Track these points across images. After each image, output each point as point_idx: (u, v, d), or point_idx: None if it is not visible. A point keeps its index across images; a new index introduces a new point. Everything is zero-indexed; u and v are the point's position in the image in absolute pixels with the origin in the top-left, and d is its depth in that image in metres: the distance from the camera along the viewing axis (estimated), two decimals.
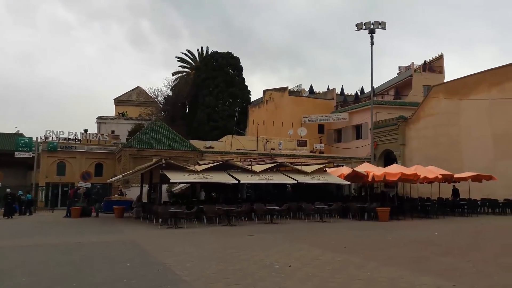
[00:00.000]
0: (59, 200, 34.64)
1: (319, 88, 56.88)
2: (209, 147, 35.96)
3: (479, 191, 24.94)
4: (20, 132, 41.89)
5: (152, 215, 19.65)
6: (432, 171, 22.77)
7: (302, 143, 39.96)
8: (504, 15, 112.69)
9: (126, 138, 38.71)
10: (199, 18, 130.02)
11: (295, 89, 52.97)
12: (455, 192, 26.26)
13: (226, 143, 38.03)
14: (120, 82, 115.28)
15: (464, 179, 23.73)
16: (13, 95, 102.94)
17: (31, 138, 36.33)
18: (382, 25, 34.06)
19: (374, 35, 33.92)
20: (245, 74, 48.72)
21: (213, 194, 25.33)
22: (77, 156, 36.33)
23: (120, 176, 26.31)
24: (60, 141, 36.10)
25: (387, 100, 45.03)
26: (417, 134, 34.07)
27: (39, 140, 35.64)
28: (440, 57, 47.14)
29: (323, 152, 40.32)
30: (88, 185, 26.71)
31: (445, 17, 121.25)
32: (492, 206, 24.19)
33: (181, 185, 27.45)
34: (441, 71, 45.93)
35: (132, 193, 27.78)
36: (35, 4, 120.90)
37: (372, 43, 34.24)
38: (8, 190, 24.79)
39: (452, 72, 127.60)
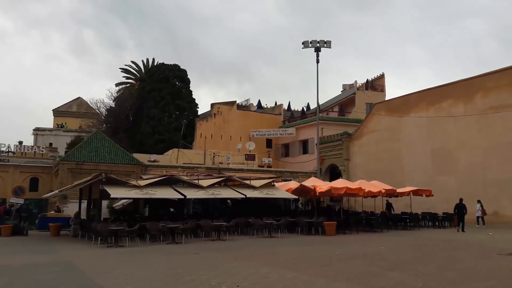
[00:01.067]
0: None
1: (267, 103, 57.64)
2: (154, 161, 34.75)
3: (420, 204, 26.17)
4: None
5: (91, 233, 18.44)
6: (376, 186, 23.52)
7: (250, 157, 39.86)
8: (436, 40, 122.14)
9: (65, 151, 36.41)
10: (145, 30, 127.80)
11: (244, 104, 53.14)
12: (389, 206, 27.52)
13: (172, 157, 36.99)
14: (60, 93, 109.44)
15: (406, 193, 24.73)
16: None
17: None
18: (327, 43, 35.17)
19: (319, 53, 34.90)
20: (192, 87, 48.18)
21: (162, 211, 24.31)
22: (10, 170, 33.51)
23: (57, 191, 24.58)
24: None
25: (332, 117, 46.44)
26: (361, 150, 35.32)
27: None
28: (382, 76, 49.66)
29: (271, 167, 40.48)
30: (21, 200, 24.59)
31: (384, 40, 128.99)
32: (432, 220, 25.26)
33: (123, 200, 26.14)
34: (382, 89, 48.32)
35: (70, 209, 25.92)
36: None
37: (317, 61, 35.17)
38: None
39: (391, 91, 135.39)
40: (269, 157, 42.94)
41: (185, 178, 23.66)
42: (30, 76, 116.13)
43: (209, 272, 9.80)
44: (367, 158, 34.45)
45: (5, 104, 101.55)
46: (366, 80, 49.63)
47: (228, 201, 26.12)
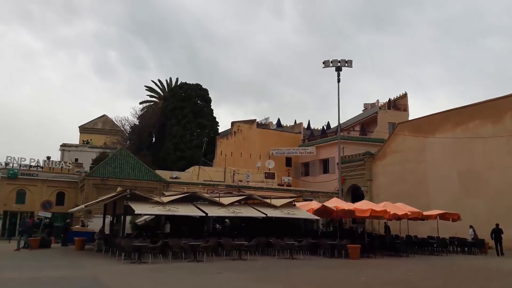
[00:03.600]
0: (17, 230, 32.39)
1: (286, 121, 57.73)
2: (176, 178, 35.13)
3: (447, 229, 25.38)
4: None
5: (115, 248, 18.57)
6: (401, 208, 23.01)
7: (270, 175, 39.82)
8: (456, 59, 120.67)
9: (90, 167, 37.27)
10: (166, 51, 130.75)
11: (263, 122, 53.39)
12: (387, 228, 26.85)
13: (193, 174, 37.31)
14: (85, 111, 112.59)
15: (433, 217, 24.11)
16: None
17: None
18: (348, 63, 35.26)
19: (339, 72, 34.95)
20: (212, 106, 48.88)
21: (183, 228, 24.49)
22: (39, 184, 34.59)
23: (83, 206, 25.03)
24: (21, 168, 34.47)
25: (353, 136, 46.10)
26: (384, 170, 34.78)
27: None
28: (404, 96, 49.18)
29: (290, 185, 40.29)
30: (49, 214, 25.21)
31: (402, 60, 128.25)
32: (461, 245, 24.37)
33: (145, 216, 26.35)
34: (405, 109, 47.80)
35: (95, 224, 26.39)
36: (2, 31, 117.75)
37: (338, 80, 35.26)
38: None
39: (414, 110, 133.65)
40: (288, 175, 42.78)
41: (206, 195, 23.78)
42: (58, 94, 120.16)
43: None
44: (391, 179, 33.87)
45: (35, 120, 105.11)
46: (388, 99, 49.27)
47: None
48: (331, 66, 35.12)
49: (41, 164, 35.59)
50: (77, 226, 27.48)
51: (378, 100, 50.38)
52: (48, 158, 37.41)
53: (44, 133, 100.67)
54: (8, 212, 33.34)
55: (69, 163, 37.71)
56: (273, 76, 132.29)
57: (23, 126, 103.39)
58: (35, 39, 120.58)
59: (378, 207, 22.22)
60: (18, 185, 34.18)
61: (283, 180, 40.85)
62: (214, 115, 48.40)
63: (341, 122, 37.22)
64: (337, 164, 37.03)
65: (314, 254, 20.69)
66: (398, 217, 22.68)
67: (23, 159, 34.82)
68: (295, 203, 24.50)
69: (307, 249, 20.52)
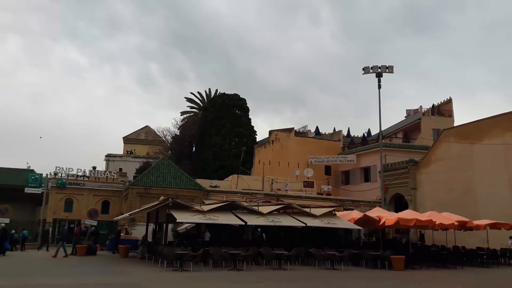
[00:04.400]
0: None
1: (325, 129, 57.00)
2: (215, 186, 35.54)
3: (497, 240, 23.96)
4: (31, 168, 41.93)
5: (158, 255, 18.99)
6: (448, 218, 22.01)
7: (309, 184, 39.37)
8: (503, 62, 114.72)
9: (134, 176, 38.54)
10: (205, 62, 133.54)
11: (301, 130, 53.02)
12: (421, 237, 25.62)
13: (232, 183, 37.60)
14: (129, 122, 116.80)
15: (482, 227, 22.85)
16: (26, 132, 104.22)
17: (41, 174, 36.33)
18: (389, 69, 34.31)
19: (380, 78, 34.15)
20: (250, 115, 49.18)
21: (223, 236, 24.73)
22: (85, 193, 36.18)
23: (127, 214, 25.85)
24: (69, 177, 36.15)
25: (395, 143, 44.76)
26: (429, 178, 33.45)
27: (48, 176, 35.60)
28: (449, 101, 47.24)
29: (330, 194, 39.63)
30: (95, 222, 26.24)
31: (446, 64, 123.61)
32: None
33: (186, 224, 26.81)
34: (450, 114, 45.88)
35: (138, 231, 27.17)
36: (50, 46, 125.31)
37: (379, 86, 34.38)
38: (2, 224, 24.11)
39: (459, 116, 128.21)
40: (328, 184, 42.12)
41: (245, 204, 23.87)
42: (103, 107, 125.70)
43: None
44: (436, 187, 32.48)
45: (81, 132, 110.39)
46: (431, 105, 47.53)
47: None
48: (371, 73, 34.38)
49: (88, 174, 37.16)
50: (121, 234, 28.36)
51: (421, 106, 48.73)
52: (94, 168, 39.03)
53: (90, 144, 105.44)
54: (57, 220, 34.95)
55: (114, 173, 39.14)
56: (310, 84, 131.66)
57: (71, 137, 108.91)
58: (81, 54, 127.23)
59: (424, 216, 21.37)
60: (66, 194, 35.86)
61: (323, 188, 40.27)
62: (252, 124, 48.75)
63: (382, 129, 36.23)
64: (379, 172, 36.01)
65: (356, 265, 20.18)
66: (444, 227, 21.70)
67: (70, 169, 36.46)
68: (336, 212, 24.08)
69: (349, 260, 20.06)
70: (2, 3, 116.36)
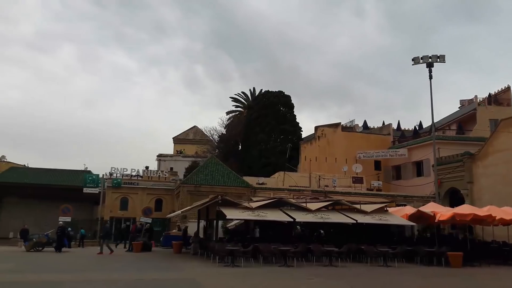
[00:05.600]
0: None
1: (373, 123, 55.42)
2: (262, 184, 35.78)
3: None
4: (88, 169, 44.50)
5: (209, 251, 19.51)
6: (509, 212, 20.72)
7: (358, 180, 38.55)
8: None
9: (184, 175, 39.78)
10: (249, 61, 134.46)
11: (348, 125, 51.90)
12: (468, 230, 24.19)
13: (278, 180, 37.64)
14: (176, 122, 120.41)
15: None
16: (82, 136, 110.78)
17: (98, 175, 38.39)
18: (440, 58, 32.79)
19: (431, 68, 32.69)
20: (294, 112, 48.92)
21: (271, 233, 24.90)
22: (139, 192, 37.87)
23: (179, 211, 26.73)
24: (124, 177, 37.95)
25: (449, 135, 42.71)
26: (486, 171, 31.63)
27: (104, 177, 37.60)
28: (507, 89, 44.27)
29: (381, 190, 38.58)
30: (149, 220, 27.38)
31: (502, 51, 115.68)
32: None
33: (235, 221, 27.24)
34: (508, 103, 42.97)
35: (189, 228, 27.99)
36: (101, 53, 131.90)
37: (430, 77, 32.94)
38: (60, 222, 25.61)
39: None
40: (378, 179, 41.00)
41: (292, 201, 23.86)
42: (152, 109, 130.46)
43: None
44: (495, 181, 30.63)
45: (133, 133, 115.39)
46: (488, 94, 44.82)
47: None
48: (421, 63, 33.01)
49: (141, 173, 38.90)
50: (174, 231, 29.43)
51: (476, 96, 46.09)
52: (147, 168, 40.79)
53: (142, 145, 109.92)
54: (114, 218, 36.86)
55: (165, 172, 40.70)
56: (356, 78, 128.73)
57: (124, 139, 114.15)
58: (130, 59, 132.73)
59: (482, 211, 20.28)
60: (121, 193, 37.75)
61: (373, 184, 39.27)
62: (297, 120, 48.52)
63: (435, 121, 34.73)
64: (433, 166, 34.56)
65: (410, 262, 19.56)
66: (506, 222, 20.44)
67: (125, 170, 38.32)
68: (387, 208, 23.44)
69: (403, 257, 19.51)
70: (57, 15, 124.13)
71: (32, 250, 23.63)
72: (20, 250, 24.85)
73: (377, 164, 44.83)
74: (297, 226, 26.06)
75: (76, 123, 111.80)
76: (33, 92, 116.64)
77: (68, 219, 27.43)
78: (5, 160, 48.91)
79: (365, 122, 54.47)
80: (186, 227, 27.01)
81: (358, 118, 62.32)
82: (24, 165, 48.52)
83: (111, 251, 22.55)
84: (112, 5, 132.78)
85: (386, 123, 51.04)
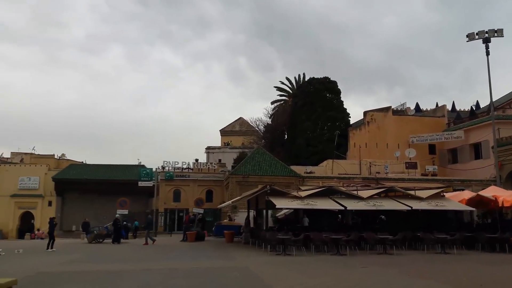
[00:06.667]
0: (175, 225, 37.27)
1: (425, 106, 52.92)
2: (310, 172, 35.46)
3: None
4: (142, 163, 46.44)
5: (260, 240, 19.69)
6: None
7: (411, 165, 37.14)
8: None
9: (232, 166, 40.38)
10: (291, 49, 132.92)
11: (399, 108, 49.98)
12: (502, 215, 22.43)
13: (327, 168, 37.13)
14: (222, 115, 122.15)
15: None
16: (134, 131, 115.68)
17: (151, 169, 40.06)
18: (498, 32, 30.65)
19: (487, 44, 30.55)
20: (341, 98, 47.70)
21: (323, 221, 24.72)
22: (190, 184, 39.09)
23: (230, 202, 27.22)
24: (175, 170, 39.23)
25: (509, 114, 39.92)
26: None
27: (157, 170, 39.07)
28: None
29: (436, 175, 37.00)
30: (201, 210, 28.18)
31: None
32: None
33: (285, 210, 27.29)
34: None
35: (240, 218, 28.50)
36: (148, 52, 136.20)
37: (487, 53, 30.88)
38: (117, 215, 26.86)
39: None
40: (433, 164, 39.28)
41: (343, 189, 23.46)
42: (199, 103, 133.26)
43: None
44: None
45: (182, 127, 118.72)
46: None
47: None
48: (477, 39, 31.02)
49: (191, 166, 40.03)
50: (225, 221, 30.05)
51: None
52: (197, 160, 41.95)
53: (191, 138, 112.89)
54: (168, 210, 38.32)
55: (214, 164, 41.61)
56: (406, 59, 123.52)
57: (174, 133, 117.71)
58: (175, 55, 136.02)
59: None
60: (174, 186, 39.10)
61: (427, 169, 37.72)
62: (344, 106, 47.39)
63: (493, 99, 32.57)
64: (492, 148, 32.54)
65: (470, 248, 18.63)
66: None
67: (176, 163, 39.57)
68: (444, 193, 22.41)
69: (462, 243, 18.62)
70: (105, 18, 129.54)
71: (94, 241, 25.19)
72: (82, 242, 26.58)
73: (432, 148, 42.97)
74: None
75: (128, 120, 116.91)
76: (87, 93, 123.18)
77: (125, 211, 28.80)
78: (65, 158, 51.96)
79: (417, 104, 52.33)
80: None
81: (409, 101, 60.08)
82: (82, 162, 51.31)
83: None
84: (155, 3, 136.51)
85: (439, 105, 48.63)
